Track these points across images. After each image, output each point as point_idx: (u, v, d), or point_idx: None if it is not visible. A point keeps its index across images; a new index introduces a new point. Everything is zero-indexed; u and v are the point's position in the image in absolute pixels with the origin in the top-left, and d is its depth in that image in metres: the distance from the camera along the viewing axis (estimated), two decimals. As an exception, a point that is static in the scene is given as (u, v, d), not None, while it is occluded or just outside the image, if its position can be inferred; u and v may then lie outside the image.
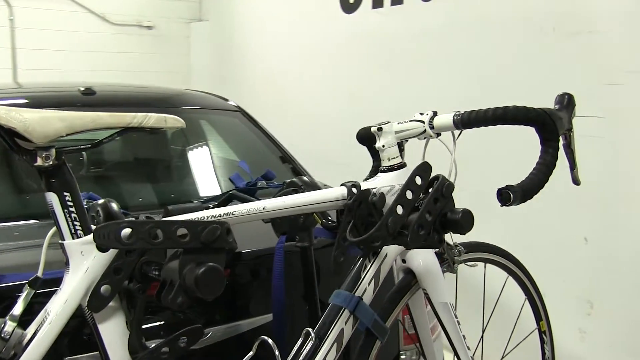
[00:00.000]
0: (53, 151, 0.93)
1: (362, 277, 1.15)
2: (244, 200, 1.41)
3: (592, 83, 2.11)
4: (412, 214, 1.03)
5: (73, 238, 0.96)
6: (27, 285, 1.03)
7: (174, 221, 0.92)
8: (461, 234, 1.02)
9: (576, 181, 1.13)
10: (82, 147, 1.00)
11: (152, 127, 1.00)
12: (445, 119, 1.14)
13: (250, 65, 4.66)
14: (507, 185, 1.00)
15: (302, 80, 3.97)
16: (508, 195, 0.99)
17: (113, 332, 0.99)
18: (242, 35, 4.79)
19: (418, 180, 1.05)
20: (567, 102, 1.10)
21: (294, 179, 1.27)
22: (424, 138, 1.18)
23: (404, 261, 1.23)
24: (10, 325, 0.95)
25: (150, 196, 1.98)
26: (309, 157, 2.35)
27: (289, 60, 4.12)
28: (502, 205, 1.01)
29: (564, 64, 2.24)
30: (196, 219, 0.97)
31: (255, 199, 1.41)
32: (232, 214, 1.04)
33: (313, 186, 1.24)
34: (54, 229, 1.00)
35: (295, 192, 1.23)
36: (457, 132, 1.15)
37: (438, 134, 1.17)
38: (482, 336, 1.46)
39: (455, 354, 1.27)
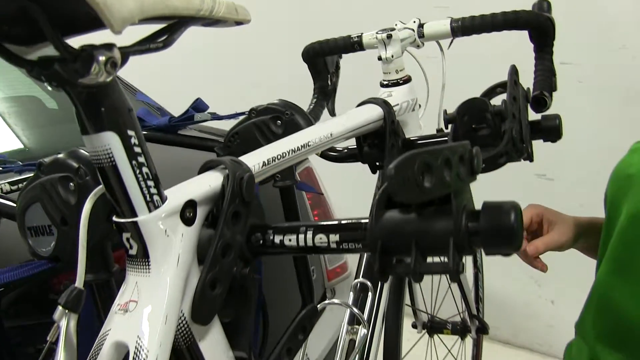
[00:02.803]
0: (117, 52, 0.49)
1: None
2: (165, 142, 1.02)
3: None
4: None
5: (150, 210, 0.54)
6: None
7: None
8: (553, 142, 0.92)
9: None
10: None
11: (220, 19, 0.62)
12: (439, 26, 1.02)
13: None
14: (539, 92, 0.94)
15: None
16: (544, 100, 0.94)
17: (217, 349, 0.61)
18: None
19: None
20: (547, 9, 1.09)
21: (269, 105, 0.96)
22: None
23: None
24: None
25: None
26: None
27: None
28: (537, 112, 0.95)
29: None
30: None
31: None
32: (308, 145, 0.75)
33: (298, 109, 0.97)
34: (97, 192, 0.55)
35: (279, 119, 0.94)
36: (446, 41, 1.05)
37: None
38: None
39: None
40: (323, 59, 1.16)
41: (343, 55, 1.18)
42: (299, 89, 1.24)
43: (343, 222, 0.57)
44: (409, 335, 1.22)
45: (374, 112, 0.89)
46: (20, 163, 0.96)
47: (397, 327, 1.07)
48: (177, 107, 1.18)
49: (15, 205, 0.78)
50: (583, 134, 1.89)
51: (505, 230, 0.49)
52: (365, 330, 0.87)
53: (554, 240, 0.97)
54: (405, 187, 0.43)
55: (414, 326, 1.32)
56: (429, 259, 0.52)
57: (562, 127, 0.89)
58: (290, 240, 0.58)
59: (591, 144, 1.95)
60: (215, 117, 1.16)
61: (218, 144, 0.96)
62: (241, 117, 0.95)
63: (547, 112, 0.92)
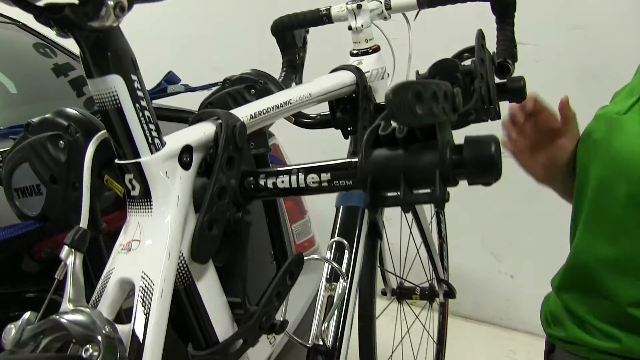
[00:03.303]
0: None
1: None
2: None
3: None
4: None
5: (152, 152, 0.57)
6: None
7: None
8: (519, 102, 0.98)
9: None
10: None
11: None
12: None
13: None
14: (503, 59, 0.99)
15: None
16: (507, 67, 0.99)
17: (213, 291, 0.64)
18: None
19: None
20: None
21: (242, 75, 0.99)
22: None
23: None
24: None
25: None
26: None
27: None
28: (501, 79, 1.00)
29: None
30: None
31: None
32: (290, 103, 0.79)
33: (271, 78, 1.00)
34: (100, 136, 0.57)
35: (253, 87, 0.97)
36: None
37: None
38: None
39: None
40: (291, 33, 1.19)
41: (310, 30, 1.22)
42: (268, 63, 1.27)
43: (333, 162, 0.61)
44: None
45: (347, 77, 0.93)
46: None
47: (371, 286, 1.12)
48: (148, 81, 1.20)
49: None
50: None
51: (486, 161, 0.53)
52: (345, 283, 0.91)
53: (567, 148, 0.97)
54: (401, 110, 0.47)
55: (384, 293, 1.37)
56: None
57: (526, 88, 0.95)
58: (282, 182, 0.62)
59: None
60: (189, 88, 1.18)
61: (192, 115, 0.98)
62: (214, 88, 0.98)
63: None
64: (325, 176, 0.60)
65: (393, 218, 1.33)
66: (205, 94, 0.96)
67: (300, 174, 0.61)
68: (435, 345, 1.66)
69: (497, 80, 0.95)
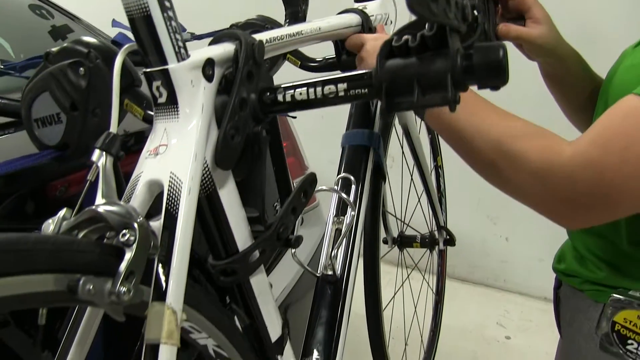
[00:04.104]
0: None
1: (374, 111, 1.05)
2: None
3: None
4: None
5: (179, 60, 0.60)
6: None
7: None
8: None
9: None
10: None
11: None
12: None
13: None
14: None
15: None
16: None
17: (233, 201, 0.68)
18: None
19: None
20: None
21: (248, 20, 1.02)
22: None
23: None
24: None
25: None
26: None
27: None
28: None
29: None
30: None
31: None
32: (301, 34, 0.82)
33: (276, 23, 1.03)
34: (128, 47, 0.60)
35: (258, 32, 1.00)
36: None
37: None
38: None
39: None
40: None
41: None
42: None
43: (349, 73, 0.64)
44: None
45: (354, 18, 0.97)
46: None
47: (375, 227, 1.16)
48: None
49: (19, 102, 0.82)
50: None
51: (495, 65, 0.57)
52: (353, 213, 0.95)
53: (529, 33, 0.95)
54: (419, 3, 0.50)
55: (385, 241, 1.41)
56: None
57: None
58: (300, 94, 0.65)
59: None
60: (196, 37, 1.21)
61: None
62: (221, 34, 1.00)
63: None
64: (342, 86, 0.63)
65: (395, 164, 1.36)
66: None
67: (317, 86, 0.64)
68: (434, 296, 1.71)
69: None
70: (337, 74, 0.64)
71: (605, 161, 0.69)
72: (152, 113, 0.71)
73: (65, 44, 0.79)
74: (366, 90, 0.62)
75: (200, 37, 1.20)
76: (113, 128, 0.61)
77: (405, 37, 0.61)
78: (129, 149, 0.67)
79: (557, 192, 0.72)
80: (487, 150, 0.76)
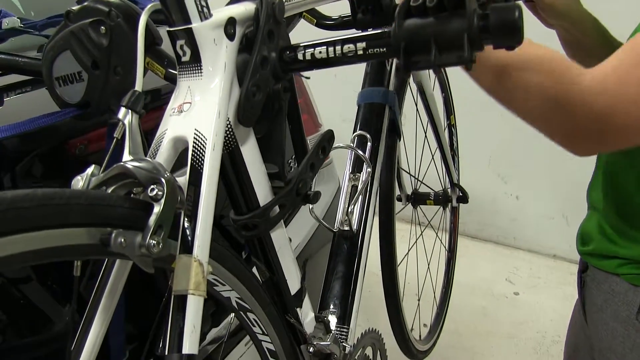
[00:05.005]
0: None
1: (389, 70, 1.06)
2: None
3: None
4: None
5: (202, 20, 0.61)
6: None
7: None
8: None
9: None
10: None
11: None
12: None
13: None
14: None
15: None
16: None
17: (254, 157, 0.70)
18: None
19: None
20: None
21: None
22: None
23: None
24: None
25: None
26: None
27: None
28: None
29: None
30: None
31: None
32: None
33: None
34: (152, 7, 0.61)
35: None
36: None
37: None
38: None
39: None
40: None
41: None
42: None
43: (368, 32, 0.65)
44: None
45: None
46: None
47: (390, 183, 1.18)
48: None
49: (40, 61, 0.83)
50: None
51: (510, 25, 0.58)
52: (369, 169, 0.96)
53: None
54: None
55: (399, 199, 1.43)
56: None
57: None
58: (320, 52, 0.66)
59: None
60: None
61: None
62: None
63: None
64: (361, 45, 0.64)
65: (407, 121, 1.36)
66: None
67: (337, 45, 0.65)
68: (446, 253, 1.73)
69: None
70: (356, 33, 0.65)
71: (622, 91, 0.70)
72: (173, 71, 0.73)
73: (85, 3, 0.79)
74: (384, 49, 0.63)
75: None
76: (138, 86, 0.63)
77: (424, -2, 0.61)
78: (145, 107, 0.68)
79: (572, 117, 0.73)
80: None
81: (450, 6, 0.60)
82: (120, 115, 0.61)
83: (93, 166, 0.59)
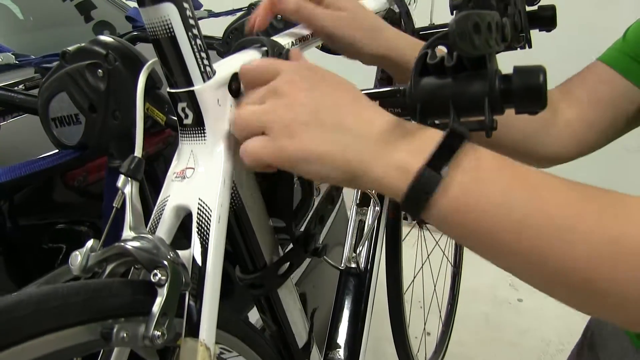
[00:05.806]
0: None
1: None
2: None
3: None
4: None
5: (204, 81, 0.57)
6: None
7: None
8: (548, 32, 0.97)
9: None
10: None
11: None
12: None
13: None
14: None
15: None
16: None
17: (260, 215, 0.66)
18: None
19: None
20: None
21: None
22: None
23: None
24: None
25: None
26: None
27: None
28: (530, 5, 0.98)
29: None
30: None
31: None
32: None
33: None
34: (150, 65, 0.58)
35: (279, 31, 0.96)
36: None
37: None
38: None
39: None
40: None
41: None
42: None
43: (381, 89, 0.61)
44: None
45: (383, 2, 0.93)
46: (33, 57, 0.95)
47: (398, 211, 1.15)
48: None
49: (36, 98, 0.79)
50: None
51: (535, 90, 0.54)
52: (377, 208, 0.93)
53: None
54: (463, 39, 0.47)
55: (405, 218, 1.40)
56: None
57: (556, 16, 0.94)
58: (331, 108, 0.62)
59: None
60: (212, 14, 1.17)
61: (217, 42, 0.98)
62: (239, 13, 0.97)
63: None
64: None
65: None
66: (229, 19, 0.95)
67: (348, 101, 0.61)
68: (452, 268, 1.71)
69: (527, 8, 0.94)
70: (370, 89, 0.61)
71: None
72: (173, 117, 0.69)
73: (82, 44, 0.76)
74: (399, 109, 0.60)
75: (217, 15, 1.16)
76: (138, 152, 0.59)
77: (441, 55, 0.57)
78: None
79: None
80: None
81: (470, 66, 0.56)
82: (120, 184, 0.58)
83: (92, 241, 0.56)
